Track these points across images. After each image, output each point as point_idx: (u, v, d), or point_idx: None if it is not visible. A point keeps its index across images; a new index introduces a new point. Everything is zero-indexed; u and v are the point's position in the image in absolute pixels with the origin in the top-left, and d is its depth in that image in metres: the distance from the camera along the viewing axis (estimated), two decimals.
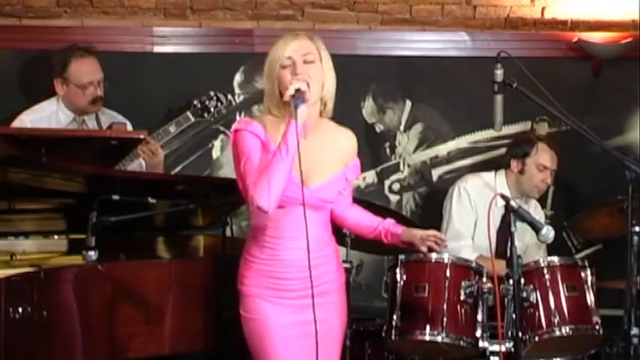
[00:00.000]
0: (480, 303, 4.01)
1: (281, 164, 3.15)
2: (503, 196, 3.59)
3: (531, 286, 4.05)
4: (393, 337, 4.05)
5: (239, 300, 3.39)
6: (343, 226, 3.66)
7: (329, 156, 3.37)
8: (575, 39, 5.39)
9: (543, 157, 4.85)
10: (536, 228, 3.54)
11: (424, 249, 3.51)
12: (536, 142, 4.87)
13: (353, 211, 3.58)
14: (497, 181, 4.90)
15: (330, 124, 3.43)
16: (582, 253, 5.07)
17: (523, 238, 4.74)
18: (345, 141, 3.45)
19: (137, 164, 4.58)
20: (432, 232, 3.53)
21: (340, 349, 3.52)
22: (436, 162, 5.48)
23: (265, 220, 3.31)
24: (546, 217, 5.24)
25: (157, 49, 5.29)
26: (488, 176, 4.95)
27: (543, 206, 5.18)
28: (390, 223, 3.55)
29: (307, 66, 3.26)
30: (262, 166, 3.20)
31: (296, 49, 3.27)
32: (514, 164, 4.88)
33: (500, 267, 3.77)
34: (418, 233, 3.51)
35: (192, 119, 4.72)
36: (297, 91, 3.17)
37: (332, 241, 3.48)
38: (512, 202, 3.51)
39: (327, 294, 3.39)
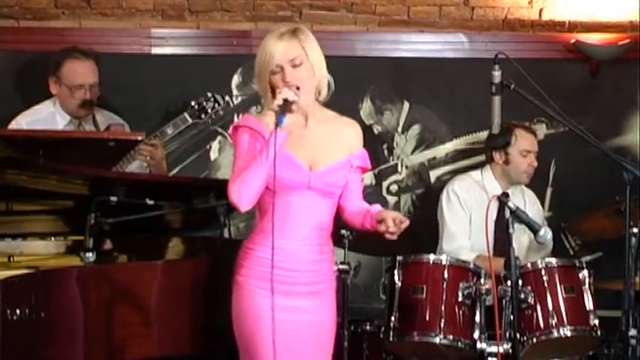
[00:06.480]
0: (478, 304, 4.02)
1: (258, 168, 3.21)
2: (500, 199, 3.59)
3: (529, 288, 4.06)
4: (391, 338, 4.05)
5: (232, 290, 3.39)
6: (342, 217, 3.51)
7: (333, 143, 3.41)
8: (573, 40, 5.38)
9: (524, 142, 4.86)
10: (533, 229, 3.53)
11: (383, 228, 3.25)
12: (513, 129, 4.87)
13: (355, 203, 3.49)
14: (485, 177, 4.90)
15: (332, 114, 3.48)
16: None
17: (520, 239, 4.74)
18: (349, 128, 3.50)
19: (136, 165, 4.58)
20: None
21: (331, 353, 3.47)
22: (434, 163, 5.48)
23: (270, 206, 3.27)
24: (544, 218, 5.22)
25: (155, 50, 5.29)
26: (475, 174, 4.96)
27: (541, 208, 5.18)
28: (375, 207, 3.42)
29: (296, 69, 3.28)
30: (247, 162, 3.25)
31: (282, 56, 3.27)
32: (497, 156, 4.89)
33: (499, 265, 3.76)
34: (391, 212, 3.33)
35: (190, 121, 4.71)
36: (285, 100, 3.19)
37: (330, 242, 3.47)
38: (510, 204, 3.50)
39: (321, 294, 3.40)
